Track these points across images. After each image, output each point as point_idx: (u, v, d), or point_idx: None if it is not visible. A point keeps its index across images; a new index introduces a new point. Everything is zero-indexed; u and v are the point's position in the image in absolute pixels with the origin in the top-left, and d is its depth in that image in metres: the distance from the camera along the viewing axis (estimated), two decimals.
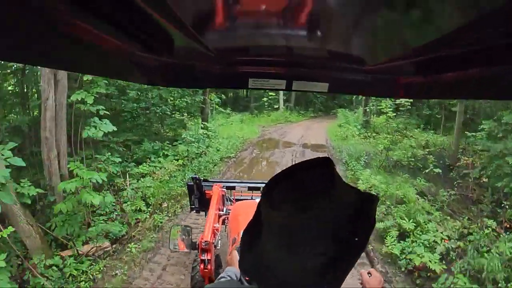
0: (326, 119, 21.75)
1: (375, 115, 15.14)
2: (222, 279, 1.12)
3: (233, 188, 3.49)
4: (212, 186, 3.30)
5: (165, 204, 6.53)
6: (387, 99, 14.43)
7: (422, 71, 0.83)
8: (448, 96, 0.99)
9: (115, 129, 5.89)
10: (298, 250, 0.56)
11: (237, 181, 3.90)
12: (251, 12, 0.54)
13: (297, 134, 15.24)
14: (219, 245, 2.59)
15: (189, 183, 3.30)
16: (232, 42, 0.76)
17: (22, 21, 0.38)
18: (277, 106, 22.85)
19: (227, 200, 3.35)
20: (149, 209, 6.14)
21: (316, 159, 0.60)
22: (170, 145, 9.09)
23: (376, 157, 10.45)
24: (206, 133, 10.51)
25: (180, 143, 9.20)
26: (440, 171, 8.39)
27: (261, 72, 1.02)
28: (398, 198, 6.55)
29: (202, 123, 13.37)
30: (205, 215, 3.19)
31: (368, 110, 14.84)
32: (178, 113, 11.84)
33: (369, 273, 1.23)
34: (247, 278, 1.05)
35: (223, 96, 21.70)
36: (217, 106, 16.90)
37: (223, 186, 3.36)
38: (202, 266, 2.13)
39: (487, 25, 0.42)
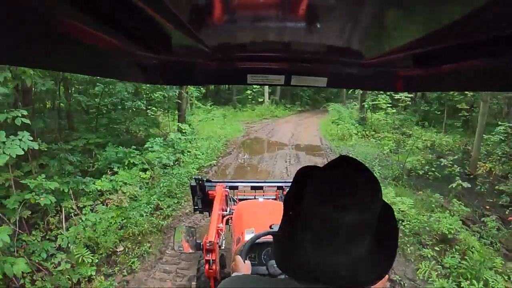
0: (315, 114, 19.99)
1: (370, 111, 13.47)
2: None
3: (236, 188, 3.39)
4: (215, 186, 3.18)
5: (120, 248, 4.45)
6: (385, 94, 12.98)
7: (420, 64, 0.82)
8: (446, 89, 1.06)
9: (35, 146, 3.81)
10: (348, 246, 0.58)
11: (240, 181, 3.73)
12: (248, 8, 0.53)
13: (286, 133, 13.36)
14: (224, 245, 2.50)
15: (192, 184, 3.17)
16: (229, 39, 0.75)
17: (20, 22, 0.37)
18: (261, 100, 20.85)
19: (230, 200, 3.27)
20: (96, 258, 4.04)
21: (347, 159, 0.62)
22: (139, 150, 6.99)
23: (384, 162, 8.70)
24: (180, 137, 8.33)
25: (150, 149, 7.09)
26: (469, 185, 6.74)
27: (259, 68, 1.03)
28: (438, 231, 4.80)
29: (178, 122, 11.29)
30: (209, 215, 3.11)
31: (365, 105, 13.12)
32: (154, 108, 9.78)
33: None
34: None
35: (202, 89, 19.47)
36: (195, 102, 14.63)
37: (226, 186, 3.26)
38: (207, 266, 2.07)
39: (484, 17, 0.42)
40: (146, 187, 6.15)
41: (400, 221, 5.23)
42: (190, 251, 2.18)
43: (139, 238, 4.67)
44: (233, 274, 1.21)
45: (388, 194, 5.88)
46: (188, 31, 0.60)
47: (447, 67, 0.74)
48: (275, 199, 3.33)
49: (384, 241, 0.63)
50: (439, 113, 15.37)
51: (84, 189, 5.55)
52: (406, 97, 12.83)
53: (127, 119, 8.67)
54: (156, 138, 7.35)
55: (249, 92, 20.54)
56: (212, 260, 2.07)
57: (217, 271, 2.11)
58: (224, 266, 2.51)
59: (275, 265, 1.25)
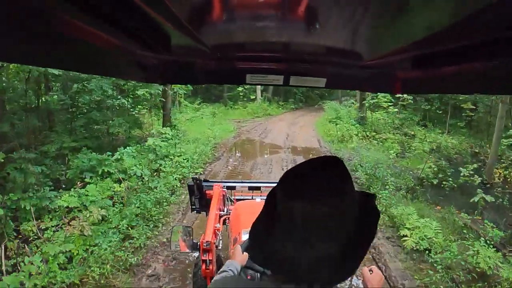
0: (309, 112, 19.01)
1: (370, 110, 12.54)
2: (224, 273, 1.21)
3: (233, 188, 3.32)
4: (213, 186, 3.12)
5: None
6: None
7: (419, 66, 0.81)
8: (446, 91, 0.95)
9: None
10: (314, 241, 0.58)
11: (238, 181, 3.68)
12: (247, 8, 0.53)
13: (281, 133, 12.33)
14: (221, 245, 2.42)
15: (189, 184, 3.09)
16: (229, 38, 0.75)
17: (21, 21, 0.38)
18: (253, 97, 19.75)
19: (227, 200, 3.21)
20: None
21: (327, 158, 0.64)
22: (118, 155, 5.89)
23: (392, 169, 7.74)
24: (160, 143, 7.17)
25: (129, 152, 5.96)
26: (493, 199, 5.84)
27: (258, 68, 1.02)
28: (475, 266, 3.85)
29: (163, 122, 10.16)
30: (206, 215, 2.98)
31: (366, 104, 12.18)
32: (139, 106, 8.71)
33: (370, 270, 1.20)
34: (248, 276, 1.32)
35: (189, 87, 18.27)
36: (182, 100, 13.47)
37: (224, 186, 3.19)
38: (204, 266, 2.06)
39: (484, 19, 0.42)
40: (119, 203, 5.04)
41: (427, 251, 4.26)
42: (187, 250, 2.16)
43: (102, 282, 3.58)
44: (228, 261, 1.34)
45: (411, 215, 4.90)
46: (188, 30, 0.60)
47: (446, 69, 0.74)
48: None
49: (356, 244, 0.62)
50: (440, 112, 14.59)
51: (49, 205, 4.55)
52: (407, 95, 11.98)
53: (109, 119, 7.60)
54: (128, 148, 6.18)
55: (240, 89, 19.43)
56: (209, 260, 2.06)
57: (213, 271, 2.09)
58: (221, 266, 2.29)
59: None
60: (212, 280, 0.87)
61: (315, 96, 24.61)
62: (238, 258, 1.39)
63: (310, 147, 10.11)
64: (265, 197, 2.53)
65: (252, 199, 3.12)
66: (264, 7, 0.52)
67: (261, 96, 20.30)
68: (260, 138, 11.55)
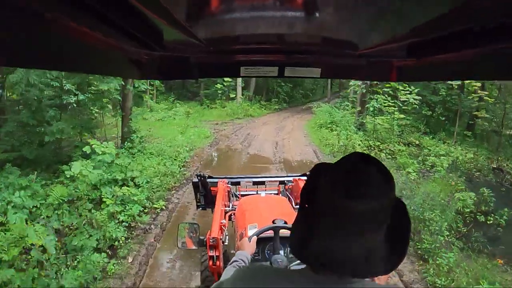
0: (295, 114, 16.96)
1: (373, 115, 10.66)
2: (235, 263, 1.25)
3: (238, 183, 3.30)
4: (217, 182, 3.06)
5: None
6: (386, 96, 10.32)
7: (414, 54, 0.80)
8: (441, 78, 1.02)
9: None
10: (361, 235, 0.58)
11: (242, 176, 3.56)
12: (240, 0, 0.52)
13: (267, 140, 10.16)
14: (227, 241, 2.34)
15: (194, 181, 3.08)
16: (222, 31, 0.75)
17: (16, 24, 0.37)
18: (233, 95, 17.43)
19: (232, 196, 3.13)
20: None
21: (361, 154, 0.62)
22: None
23: (422, 199, 5.78)
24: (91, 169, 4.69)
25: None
26: None
27: (252, 60, 1.02)
28: None
29: (122, 125, 7.71)
30: (212, 212, 2.89)
31: (370, 108, 10.26)
32: (93, 108, 6.35)
33: None
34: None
35: (157, 82, 15.64)
36: (148, 98, 10.94)
37: (228, 182, 3.14)
38: (210, 262, 2.03)
39: (478, 7, 0.42)
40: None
41: None
42: (193, 247, 2.11)
43: None
44: (238, 252, 1.39)
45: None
46: (180, 25, 0.59)
47: (440, 57, 0.73)
48: (277, 193, 3.24)
49: (396, 237, 0.63)
50: (443, 118, 13.06)
51: None
52: (413, 98, 10.23)
53: (50, 120, 5.67)
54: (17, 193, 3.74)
55: (219, 86, 17.06)
56: (216, 256, 2.02)
57: (220, 267, 2.05)
58: (228, 261, 2.03)
59: (279, 260, 1.56)
60: (232, 275, 0.75)
61: (299, 96, 22.66)
62: (247, 249, 1.43)
63: (307, 162, 7.98)
64: (269, 192, 3.19)
65: (257, 193, 3.06)
66: None
67: (242, 94, 18.02)
68: (243, 147, 9.30)
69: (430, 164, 8.11)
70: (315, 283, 0.62)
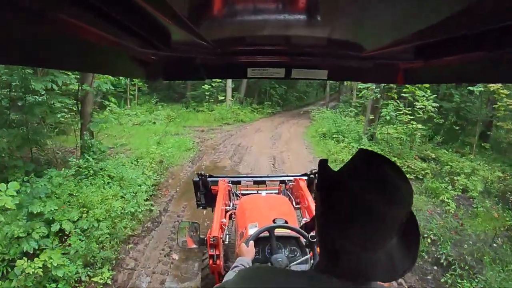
0: (291, 119, 15.27)
1: (385, 125, 9.06)
2: (236, 269, 1.22)
3: (238, 182, 3.25)
4: (218, 181, 3.04)
5: None
6: (400, 102, 8.78)
7: (421, 56, 0.80)
8: (447, 81, 0.97)
9: None
10: (390, 239, 0.58)
11: (243, 175, 3.77)
12: (247, 2, 0.52)
13: (262, 153, 8.41)
14: (227, 240, 2.31)
15: (195, 180, 3.04)
16: (229, 33, 0.75)
17: (21, 23, 0.37)
18: (222, 98, 15.64)
19: (233, 195, 3.10)
20: None
21: (369, 151, 0.63)
22: None
23: (462, 237, 4.16)
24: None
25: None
26: None
27: (259, 61, 1.01)
28: None
29: (81, 136, 5.93)
30: (212, 211, 2.92)
31: (385, 116, 8.64)
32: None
33: None
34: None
35: (136, 81, 13.70)
36: (112, 103, 9.09)
37: (229, 181, 3.13)
38: (211, 261, 2.01)
39: (485, 9, 0.41)
40: None
41: None
42: (194, 246, 2.10)
43: None
44: (238, 258, 1.37)
45: None
46: (188, 26, 0.59)
47: (447, 59, 0.72)
48: (278, 193, 3.22)
49: (409, 241, 0.63)
50: (457, 128, 11.60)
51: None
52: (430, 105, 8.69)
53: None
54: None
55: (206, 87, 15.25)
56: (216, 255, 2.00)
57: (221, 266, 2.04)
58: (228, 260, 2.38)
59: (279, 259, 1.54)
60: (235, 275, 0.73)
61: (293, 99, 21.03)
62: (246, 254, 1.41)
63: None
64: (270, 191, 3.17)
65: (258, 193, 3.04)
66: (264, 0, 0.51)
67: (232, 97, 16.24)
68: (233, 163, 7.53)
69: (461, 188, 6.55)
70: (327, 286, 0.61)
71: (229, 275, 1.09)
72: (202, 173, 3.08)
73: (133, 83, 15.84)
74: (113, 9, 0.48)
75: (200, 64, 1.01)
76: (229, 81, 15.50)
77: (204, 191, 3.09)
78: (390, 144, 8.71)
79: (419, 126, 8.69)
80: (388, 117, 8.57)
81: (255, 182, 3.23)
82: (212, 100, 15.82)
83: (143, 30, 0.61)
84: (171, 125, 12.38)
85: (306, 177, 2.82)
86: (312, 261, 1.66)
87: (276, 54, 0.98)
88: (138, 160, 6.63)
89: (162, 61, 0.95)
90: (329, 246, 0.62)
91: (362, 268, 0.58)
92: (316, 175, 2.31)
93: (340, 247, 0.59)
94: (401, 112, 8.70)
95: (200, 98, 16.21)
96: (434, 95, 8.82)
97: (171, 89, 20.25)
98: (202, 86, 15.61)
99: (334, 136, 9.70)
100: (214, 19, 0.60)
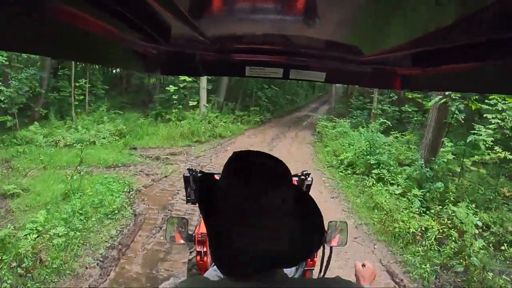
0: (288, 131, 11.20)
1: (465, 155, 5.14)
2: (212, 271, 1.26)
3: None
4: None
5: None
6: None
7: (420, 63, 0.79)
8: (445, 88, 0.92)
9: None
10: (267, 228, 0.57)
11: None
12: (248, 0, 0.51)
13: None
14: None
15: (185, 175, 2.57)
16: (229, 30, 0.74)
17: (20, 10, 0.37)
18: (194, 103, 11.42)
19: None
20: None
21: (245, 151, 0.62)
22: None
23: None
24: None
25: None
26: None
27: (258, 61, 1.01)
28: None
29: None
30: None
31: (480, 144, 4.70)
32: None
33: (363, 265, 1.19)
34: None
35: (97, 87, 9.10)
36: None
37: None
38: (198, 258, 2.03)
39: (485, 17, 0.41)
40: None
41: None
42: (182, 242, 2.00)
43: None
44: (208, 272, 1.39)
45: None
46: (188, 21, 0.58)
47: (445, 67, 0.70)
48: None
49: (308, 220, 0.63)
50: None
51: None
52: None
53: None
54: None
55: (172, 89, 11.02)
56: (204, 251, 2.01)
57: (208, 262, 2.03)
58: None
59: None
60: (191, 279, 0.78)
61: (284, 102, 17.00)
62: None
63: None
64: None
65: None
66: (265, 0, 0.50)
67: (208, 101, 12.03)
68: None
69: None
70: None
71: (210, 273, 1.07)
72: (193, 168, 2.59)
73: (78, 84, 11.45)
74: (115, 1, 0.47)
75: (199, 60, 1.00)
76: (203, 81, 11.27)
77: (194, 187, 2.56)
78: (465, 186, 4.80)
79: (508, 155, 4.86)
80: (482, 145, 4.63)
81: None
82: (181, 106, 11.57)
83: (144, 23, 0.60)
84: (116, 145, 8.11)
85: (297, 178, 2.22)
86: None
87: (274, 54, 0.96)
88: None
89: (161, 55, 0.94)
90: (219, 250, 0.60)
91: (260, 260, 0.57)
92: (307, 176, 1.92)
93: (228, 248, 0.58)
94: (484, 135, 4.86)
95: (171, 102, 11.91)
96: None
97: (141, 90, 15.92)
98: (166, 88, 11.34)
99: (374, 170, 5.68)
100: (215, 15, 0.59)
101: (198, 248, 2.00)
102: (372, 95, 11.42)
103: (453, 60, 0.63)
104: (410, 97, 8.78)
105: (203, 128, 10.01)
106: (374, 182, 5.52)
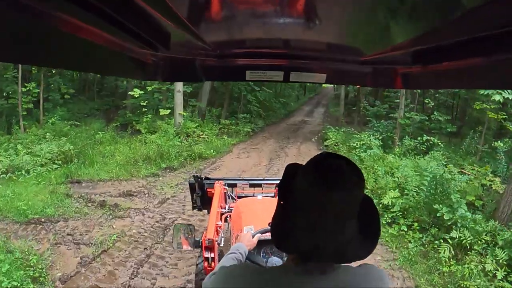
0: (286, 146, 8.81)
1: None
2: (232, 255, 1.17)
3: (235, 185, 3.16)
4: (214, 184, 2.96)
5: None
6: None
7: (420, 61, 0.79)
8: (446, 86, 0.92)
9: None
10: (331, 226, 0.59)
11: (239, 178, 3.61)
12: (247, 4, 0.51)
13: None
14: (222, 243, 2.22)
15: (190, 182, 3.02)
16: (228, 35, 0.73)
17: (19, 20, 0.36)
18: (167, 111, 8.94)
19: (229, 198, 3.00)
20: None
21: (332, 154, 0.64)
22: None
23: None
24: None
25: None
26: None
27: (258, 64, 1.00)
28: None
29: None
30: (208, 213, 2.87)
31: None
32: None
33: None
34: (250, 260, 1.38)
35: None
36: None
37: (225, 183, 3.02)
38: (206, 264, 1.99)
39: (484, 15, 0.40)
40: None
41: None
42: (189, 248, 2.01)
43: None
44: (236, 244, 1.29)
45: None
46: (187, 27, 0.57)
47: (446, 64, 0.70)
48: (274, 196, 3.07)
49: (368, 227, 0.65)
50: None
51: None
52: None
53: None
54: None
55: (137, 93, 8.53)
56: (211, 257, 1.97)
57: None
58: None
59: (275, 263, 1.51)
60: (219, 265, 0.78)
61: (277, 107, 14.66)
62: (247, 243, 1.37)
63: None
64: (266, 194, 2.92)
65: (254, 196, 2.93)
66: (264, 3, 0.50)
67: (186, 108, 9.56)
68: None
69: None
70: (295, 274, 0.63)
71: (224, 261, 1.10)
72: (199, 175, 2.98)
73: (25, 88, 8.88)
74: (113, 9, 0.46)
75: (199, 65, 1.00)
76: (179, 84, 8.78)
77: (199, 193, 3.00)
78: None
79: None
80: None
81: (251, 185, 3.15)
82: (151, 115, 9.06)
83: (143, 30, 0.59)
84: (53, 177, 5.61)
85: None
86: None
87: (275, 57, 0.95)
88: None
89: (161, 62, 0.93)
90: (287, 237, 0.64)
91: (324, 253, 0.60)
92: None
93: (298, 237, 0.61)
94: None
95: (147, 108, 9.36)
96: None
97: (117, 94, 13.36)
98: (130, 92, 8.83)
99: (446, 227, 3.41)
100: (214, 21, 0.59)
101: (206, 254, 1.96)
102: (388, 98, 9.24)
103: (454, 57, 0.61)
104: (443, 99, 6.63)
105: (176, 144, 7.56)
106: (446, 256, 3.29)
